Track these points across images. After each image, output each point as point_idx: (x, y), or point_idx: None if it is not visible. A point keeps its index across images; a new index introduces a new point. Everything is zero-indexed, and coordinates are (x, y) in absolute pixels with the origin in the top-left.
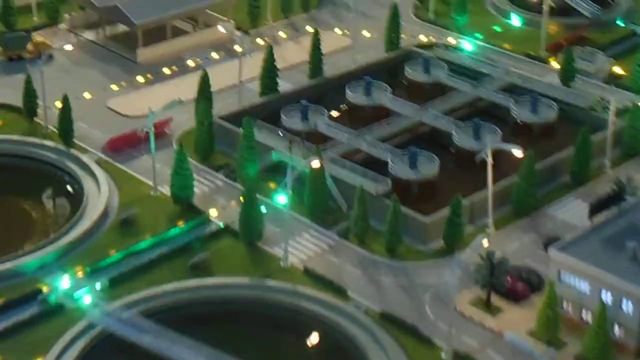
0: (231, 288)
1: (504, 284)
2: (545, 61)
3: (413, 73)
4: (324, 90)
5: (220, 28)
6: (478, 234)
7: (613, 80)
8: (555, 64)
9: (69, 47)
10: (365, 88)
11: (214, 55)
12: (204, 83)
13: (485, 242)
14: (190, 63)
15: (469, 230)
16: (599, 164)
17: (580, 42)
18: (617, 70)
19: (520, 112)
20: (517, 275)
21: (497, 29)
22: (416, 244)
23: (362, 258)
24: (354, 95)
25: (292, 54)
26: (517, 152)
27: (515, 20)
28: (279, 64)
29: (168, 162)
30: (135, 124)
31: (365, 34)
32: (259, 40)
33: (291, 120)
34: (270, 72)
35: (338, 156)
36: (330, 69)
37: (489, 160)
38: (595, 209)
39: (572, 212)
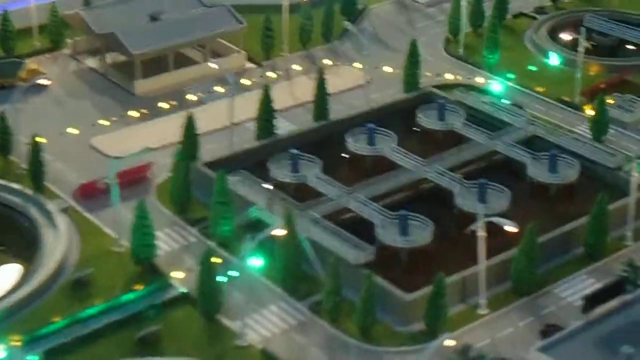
0: None
1: None
2: (579, 108)
3: (426, 119)
4: (326, 136)
5: (212, 65)
6: (470, 315)
7: None
8: (590, 112)
9: (44, 82)
10: (369, 136)
11: (220, 89)
12: (189, 127)
13: (449, 342)
14: (192, 97)
15: (459, 309)
16: (622, 235)
17: (622, 87)
18: None
19: (537, 171)
20: None
21: (533, 68)
22: (395, 325)
23: (332, 338)
24: (356, 144)
25: (305, 90)
26: (511, 229)
27: (554, 60)
28: (289, 101)
29: (149, 210)
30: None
31: (388, 69)
32: (272, 74)
33: (279, 171)
34: (266, 114)
35: (321, 216)
36: (343, 110)
37: (481, 234)
38: (591, 302)
39: (581, 293)
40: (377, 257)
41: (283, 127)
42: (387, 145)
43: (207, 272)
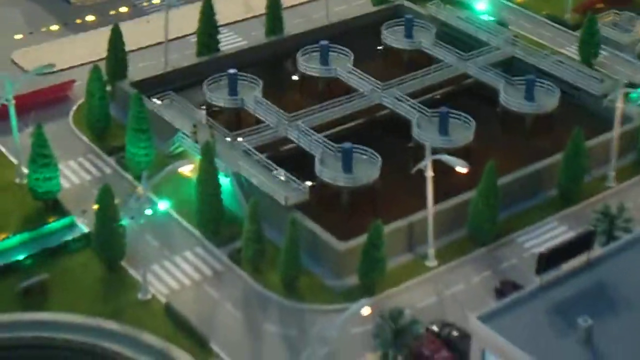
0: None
1: (410, 353)
2: (570, 26)
3: (391, 37)
4: (275, 54)
5: None
6: (416, 267)
7: None
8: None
9: None
10: (322, 55)
11: None
12: (115, 41)
13: (366, 310)
14: (135, 7)
15: (405, 260)
16: (603, 175)
17: (620, 4)
18: None
19: (511, 98)
20: (444, 337)
21: None
22: (326, 278)
23: (250, 293)
24: (307, 63)
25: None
26: (462, 169)
27: None
28: (243, 13)
29: (63, 136)
30: (40, 83)
31: None
32: None
33: (215, 93)
34: (207, 28)
35: (255, 147)
36: (302, 24)
37: (429, 175)
38: (547, 261)
39: (549, 243)
40: (315, 197)
41: (232, 42)
42: (342, 66)
43: (104, 212)
